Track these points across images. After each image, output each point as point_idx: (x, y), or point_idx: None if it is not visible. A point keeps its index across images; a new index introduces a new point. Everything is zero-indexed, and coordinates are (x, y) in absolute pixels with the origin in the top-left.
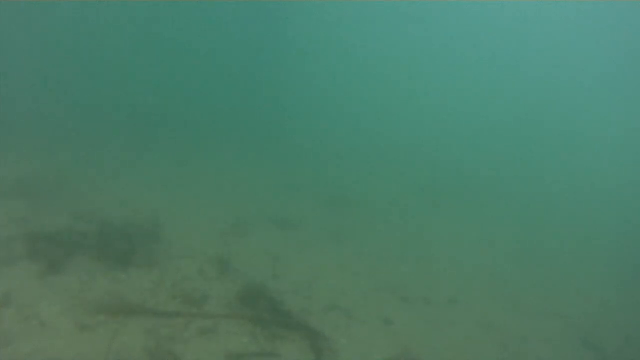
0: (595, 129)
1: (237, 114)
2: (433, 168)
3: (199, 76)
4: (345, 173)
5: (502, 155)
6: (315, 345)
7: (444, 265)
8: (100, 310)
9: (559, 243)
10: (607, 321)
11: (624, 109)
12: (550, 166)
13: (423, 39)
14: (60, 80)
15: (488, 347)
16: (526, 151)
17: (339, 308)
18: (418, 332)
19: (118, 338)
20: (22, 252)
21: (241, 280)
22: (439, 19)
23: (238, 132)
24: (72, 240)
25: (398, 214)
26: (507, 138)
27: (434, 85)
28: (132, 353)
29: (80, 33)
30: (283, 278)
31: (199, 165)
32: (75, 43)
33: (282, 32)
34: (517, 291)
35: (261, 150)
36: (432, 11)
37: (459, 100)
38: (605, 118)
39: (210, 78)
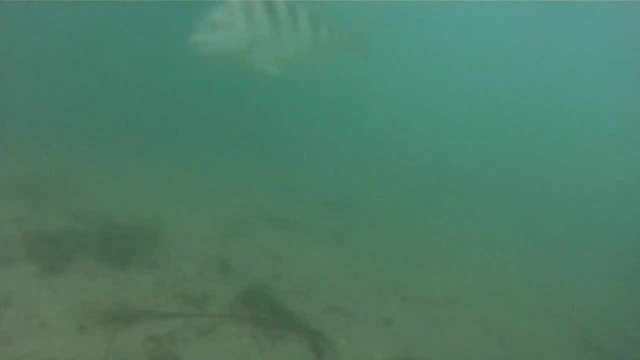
0: (595, 129)
1: (237, 114)
2: (433, 167)
3: (199, 76)
4: (345, 173)
5: (502, 155)
6: (315, 345)
7: (444, 265)
8: (100, 311)
9: (559, 243)
10: (608, 321)
11: (625, 107)
12: (550, 166)
13: (423, 38)
14: (61, 80)
15: (488, 347)
16: (526, 151)
17: (339, 308)
18: (418, 332)
19: (118, 338)
20: (22, 252)
21: (241, 280)
22: (439, 18)
23: (238, 132)
24: (72, 240)
25: (398, 214)
26: (507, 138)
27: (434, 85)
28: (132, 353)
29: (80, 33)
30: (283, 278)
31: (199, 165)
32: (75, 43)
33: None
34: (517, 291)
35: (261, 150)
36: (432, 10)
37: (459, 101)
38: (606, 117)
39: (210, 77)
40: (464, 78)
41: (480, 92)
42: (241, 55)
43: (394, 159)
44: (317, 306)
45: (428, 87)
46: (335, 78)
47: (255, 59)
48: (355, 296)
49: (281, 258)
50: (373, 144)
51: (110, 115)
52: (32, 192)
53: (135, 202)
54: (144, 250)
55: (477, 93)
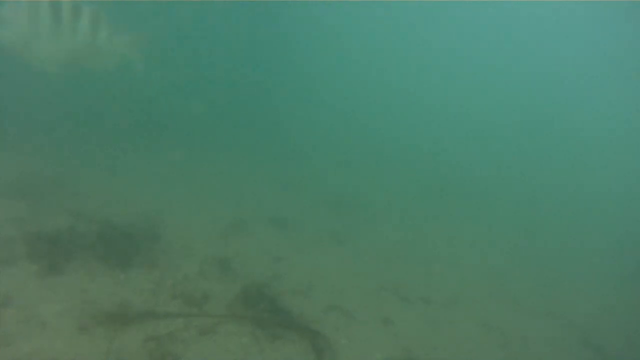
0: (595, 129)
1: (237, 114)
2: (433, 168)
3: (199, 75)
4: (345, 173)
5: (502, 156)
6: (315, 345)
7: (444, 265)
8: (100, 311)
9: (559, 243)
10: (608, 321)
11: (624, 108)
12: (550, 166)
13: (424, 39)
14: (60, 79)
15: (488, 347)
16: (526, 151)
17: (339, 308)
18: (418, 332)
19: (118, 338)
20: (22, 252)
21: (241, 280)
22: (439, 19)
23: (238, 132)
24: (72, 240)
25: (398, 214)
26: (507, 138)
27: (435, 86)
28: (132, 353)
29: None
30: (283, 278)
31: (199, 165)
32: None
33: (282, 30)
34: (517, 291)
35: (262, 150)
36: (432, 11)
37: (459, 101)
38: (605, 118)
39: (210, 77)
40: (465, 79)
41: (480, 93)
42: (21, 51)
43: (394, 159)
44: (317, 306)
45: (429, 89)
46: (335, 79)
47: (33, 56)
48: (355, 296)
49: (281, 258)
50: (374, 144)
51: (110, 115)
52: (32, 192)
53: (135, 202)
54: (144, 250)
55: (477, 94)
